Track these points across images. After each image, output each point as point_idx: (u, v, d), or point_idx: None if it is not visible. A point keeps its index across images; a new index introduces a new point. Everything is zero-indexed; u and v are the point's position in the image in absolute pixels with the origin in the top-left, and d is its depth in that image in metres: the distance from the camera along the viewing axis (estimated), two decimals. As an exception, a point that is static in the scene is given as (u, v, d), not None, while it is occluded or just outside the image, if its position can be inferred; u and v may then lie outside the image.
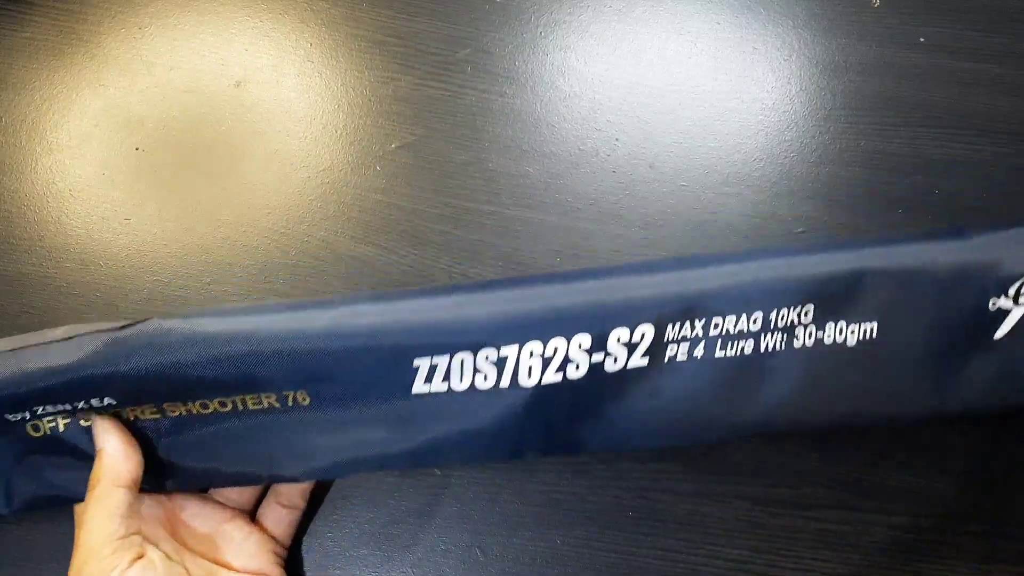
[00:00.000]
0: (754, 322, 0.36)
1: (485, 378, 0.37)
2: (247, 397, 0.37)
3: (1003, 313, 0.35)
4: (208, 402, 0.37)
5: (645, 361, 0.36)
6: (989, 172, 0.46)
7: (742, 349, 0.36)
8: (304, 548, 0.43)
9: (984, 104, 0.47)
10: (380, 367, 0.37)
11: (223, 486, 0.41)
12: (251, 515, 0.41)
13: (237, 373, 0.37)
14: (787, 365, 0.36)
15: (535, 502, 0.43)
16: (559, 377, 0.36)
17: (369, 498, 0.43)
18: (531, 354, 0.36)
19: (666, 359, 0.36)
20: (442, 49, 0.49)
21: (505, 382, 0.37)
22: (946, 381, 0.36)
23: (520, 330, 0.37)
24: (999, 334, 0.35)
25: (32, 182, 0.48)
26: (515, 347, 0.36)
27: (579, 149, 0.48)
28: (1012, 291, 0.35)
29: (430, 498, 0.43)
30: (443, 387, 0.37)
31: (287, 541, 0.42)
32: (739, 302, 0.36)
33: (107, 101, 0.49)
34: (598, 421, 0.37)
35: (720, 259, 0.38)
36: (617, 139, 0.48)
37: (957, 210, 0.46)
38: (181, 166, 0.48)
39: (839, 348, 0.36)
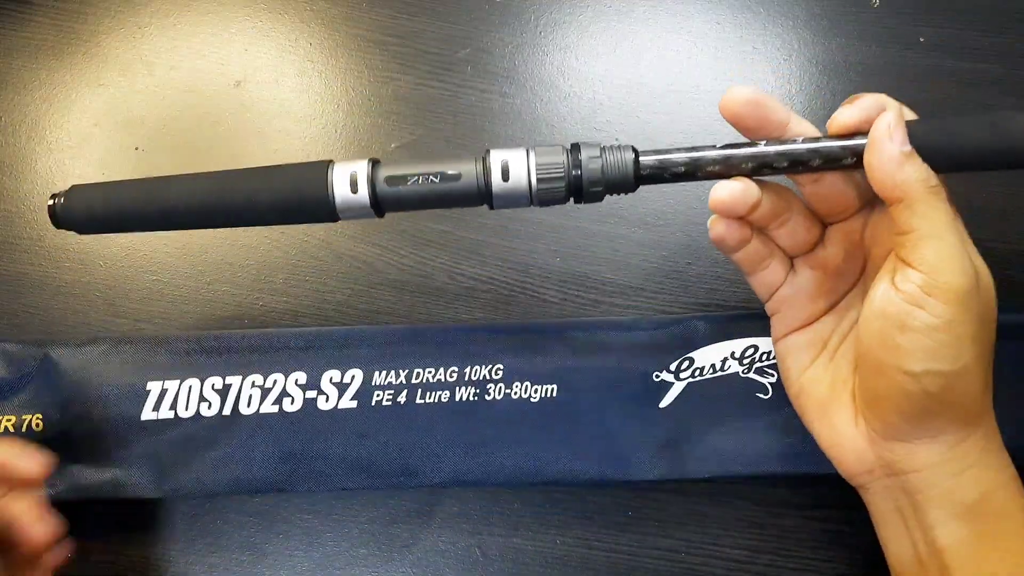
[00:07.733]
0: (451, 374, 0.41)
1: (209, 406, 0.40)
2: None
3: (666, 385, 0.40)
4: None
5: (354, 404, 0.40)
6: (988, 172, 0.46)
7: (439, 397, 0.41)
8: (304, 548, 0.43)
9: (984, 104, 0.47)
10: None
11: None
12: None
13: None
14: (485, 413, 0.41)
15: (535, 502, 0.43)
16: (275, 408, 0.40)
17: (369, 498, 0.43)
18: (252, 384, 0.41)
19: (373, 403, 0.41)
20: (442, 49, 0.49)
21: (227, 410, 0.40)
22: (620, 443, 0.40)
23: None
24: (664, 403, 0.41)
25: (32, 182, 0.48)
26: (239, 377, 0.41)
27: (579, 149, 0.48)
28: (673, 367, 0.40)
29: (430, 498, 0.43)
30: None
31: None
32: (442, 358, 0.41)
33: (107, 101, 0.49)
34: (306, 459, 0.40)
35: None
36: (617, 139, 0.48)
37: (957, 210, 0.46)
38: (181, 166, 0.48)
39: (524, 403, 0.41)
